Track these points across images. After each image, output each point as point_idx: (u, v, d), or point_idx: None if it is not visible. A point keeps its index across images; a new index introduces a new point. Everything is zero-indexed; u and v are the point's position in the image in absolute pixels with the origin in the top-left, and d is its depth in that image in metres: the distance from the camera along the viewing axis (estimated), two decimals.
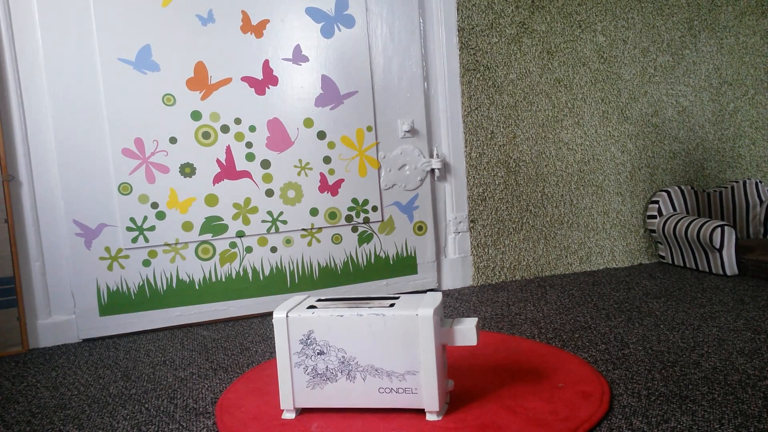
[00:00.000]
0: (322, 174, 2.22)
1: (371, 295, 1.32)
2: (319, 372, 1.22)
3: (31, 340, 1.99)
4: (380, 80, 2.26)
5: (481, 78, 2.37)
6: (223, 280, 2.14)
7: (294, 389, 1.24)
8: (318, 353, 1.22)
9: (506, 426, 1.16)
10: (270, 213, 2.17)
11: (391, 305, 1.22)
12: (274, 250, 2.19)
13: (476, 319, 1.26)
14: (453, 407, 1.25)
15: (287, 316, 1.22)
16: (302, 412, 1.27)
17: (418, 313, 1.17)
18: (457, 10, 2.32)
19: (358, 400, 1.22)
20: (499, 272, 2.46)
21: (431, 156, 2.35)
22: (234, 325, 2.10)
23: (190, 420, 1.31)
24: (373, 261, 2.30)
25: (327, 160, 2.22)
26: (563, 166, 2.51)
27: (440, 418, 1.20)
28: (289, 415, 1.26)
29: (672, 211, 2.58)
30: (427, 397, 1.19)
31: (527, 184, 2.47)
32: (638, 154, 2.62)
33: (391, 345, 1.19)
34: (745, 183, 2.68)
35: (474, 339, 1.23)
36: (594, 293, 2.17)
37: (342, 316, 1.20)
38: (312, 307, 1.26)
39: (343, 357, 1.21)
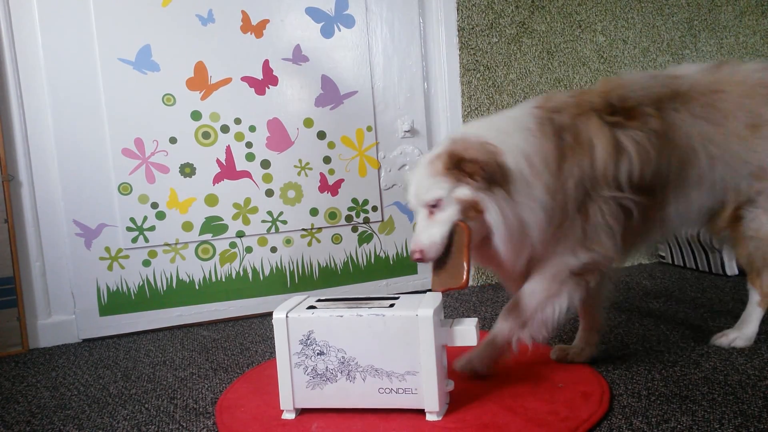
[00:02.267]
0: (322, 174, 2.22)
1: (371, 296, 1.32)
2: (319, 372, 1.22)
3: (31, 340, 1.99)
4: (380, 80, 2.26)
5: (481, 78, 2.37)
6: (223, 280, 2.14)
7: (294, 389, 1.24)
8: (318, 353, 1.22)
9: (506, 426, 1.16)
10: (270, 213, 2.17)
11: (391, 305, 1.22)
12: (274, 250, 2.19)
13: (476, 319, 1.26)
14: (453, 407, 1.25)
15: (287, 316, 1.22)
16: (302, 412, 1.27)
17: (418, 313, 1.17)
18: (457, 10, 2.32)
19: (358, 401, 1.22)
20: None
21: None
22: (234, 325, 2.10)
23: (190, 420, 1.31)
24: (373, 261, 2.30)
25: (327, 160, 2.22)
26: None
27: (440, 418, 1.20)
28: (289, 415, 1.26)
29: None
30: (427, 397, 1.19)
31: None
32: None
33: (391, 345, 1.19)
34: None
35: (474, 339, 1.23)
36: None
37: (342, 316, 1.20)
38: (312, 307, 1.26)
39: (343, 357, 1.21)
